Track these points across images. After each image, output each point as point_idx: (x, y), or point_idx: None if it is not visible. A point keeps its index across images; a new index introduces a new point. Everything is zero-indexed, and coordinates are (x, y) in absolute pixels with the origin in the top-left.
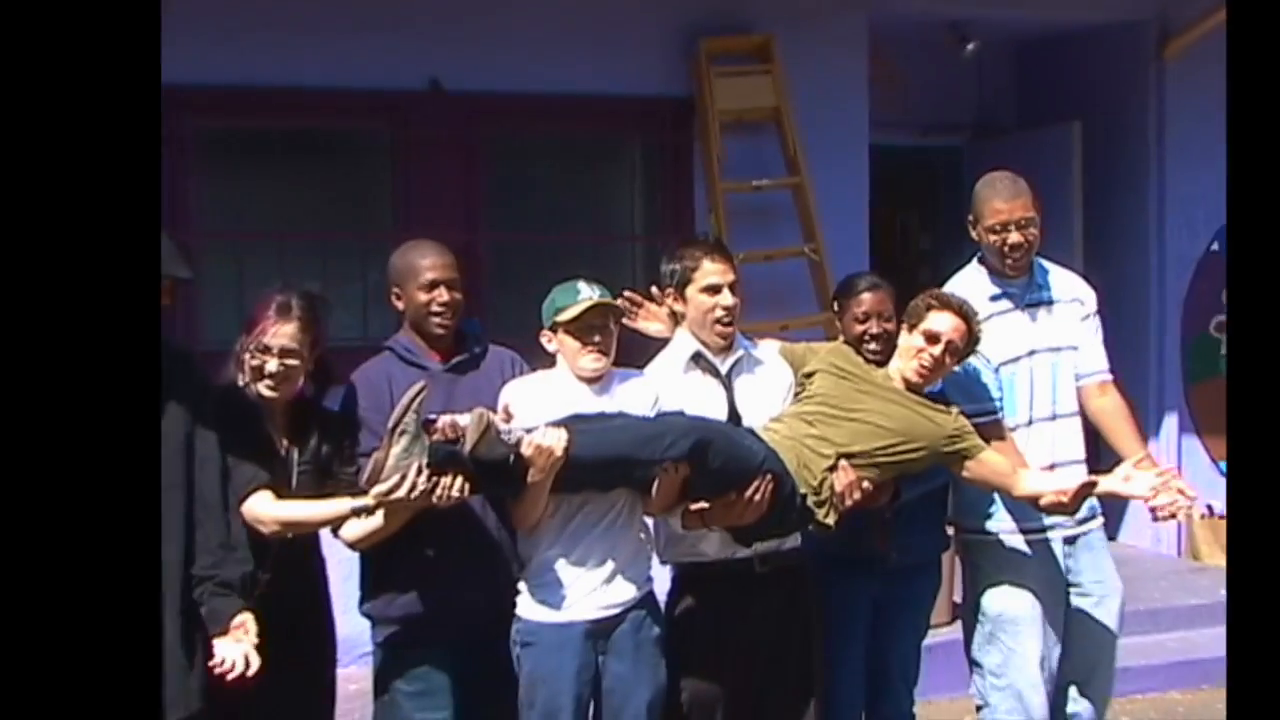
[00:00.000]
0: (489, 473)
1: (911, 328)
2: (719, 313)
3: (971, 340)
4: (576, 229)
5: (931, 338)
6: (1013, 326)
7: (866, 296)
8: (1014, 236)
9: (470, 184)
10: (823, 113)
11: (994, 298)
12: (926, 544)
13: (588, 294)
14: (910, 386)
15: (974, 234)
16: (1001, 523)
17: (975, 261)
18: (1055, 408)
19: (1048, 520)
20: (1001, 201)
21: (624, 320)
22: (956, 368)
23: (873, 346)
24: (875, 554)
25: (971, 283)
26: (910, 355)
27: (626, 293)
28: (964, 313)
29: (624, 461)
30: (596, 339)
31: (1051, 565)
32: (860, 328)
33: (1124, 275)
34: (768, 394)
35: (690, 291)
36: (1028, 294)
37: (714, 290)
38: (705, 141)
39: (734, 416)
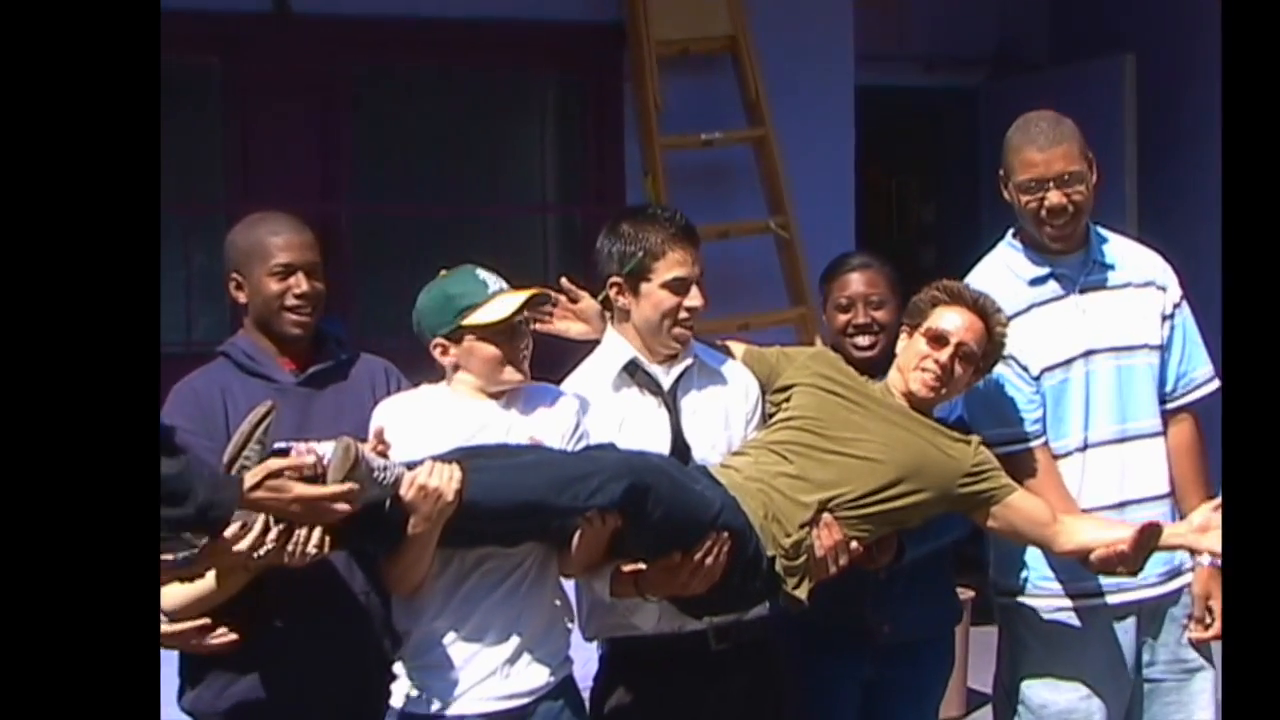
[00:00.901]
0: (357, 521)
1: (912, 330)
2: (683, 315)
3: (992, 344)
4: (469, 198)
5: (937, 339)
6: (1061, 319)
7: (851, 277)
8: (1053, 197)
9: (329, 138)
10: (795, 43)
11: (1036, 281)
12: (932, 615)
13: (498, 285)
14: (915, 405)
15: (1006, 194)
16: (1048, 584)
17: (1009, 236)
18: (1124, 426)
19: (1109, 581)
20: (1036, 150)
21: (536, 324)
22: (980, 383)
23: (860, 341)
24: (862, 626)
25: (1005, 265)
26: (912, 364)
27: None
28: (979, 307)
29: (536, 509)
30: (524, 346)
31: (1114, 645)
32: (843, 318)
33: (1190, 253)
34: (726, 417)
35: (649, 286)
36: (1083, 275)
37: (681, 287)
38: (639, 82)
39: (679, 447)
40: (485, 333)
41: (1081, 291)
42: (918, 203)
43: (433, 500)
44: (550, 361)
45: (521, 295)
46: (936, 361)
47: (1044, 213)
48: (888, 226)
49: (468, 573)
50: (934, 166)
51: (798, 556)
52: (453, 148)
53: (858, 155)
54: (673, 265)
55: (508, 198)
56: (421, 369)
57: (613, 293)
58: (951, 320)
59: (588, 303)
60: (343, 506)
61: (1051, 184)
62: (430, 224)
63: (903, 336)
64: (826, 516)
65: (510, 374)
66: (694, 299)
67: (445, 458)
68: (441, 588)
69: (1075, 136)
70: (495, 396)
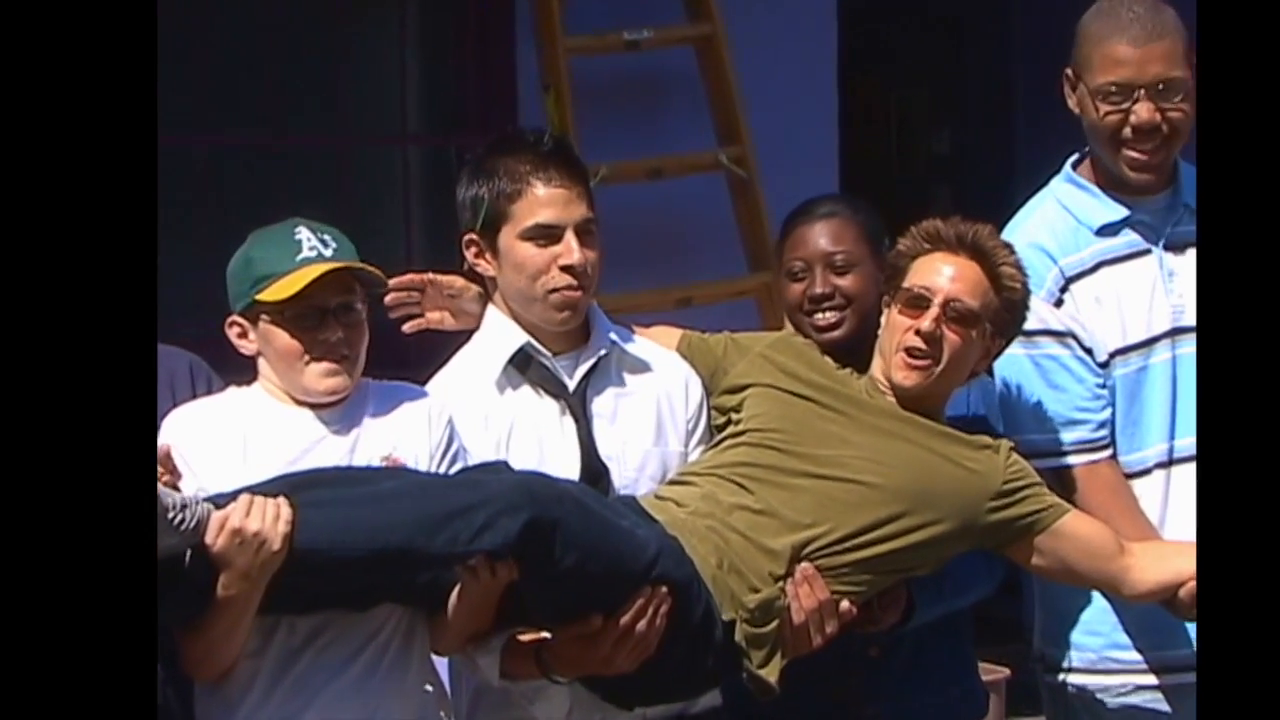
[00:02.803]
0: None
1: (890, 299)
2: (557, 279)
3: (1003, 294)
4: (302, 125)
5: (914, 301)
6: (1141, 284)
7: (807, 233)
8: (1142, 110)
9: None
10: None
11: (1107, 229)
12: (943, 706)
13: (314, 249)
14: (909, 403)
15: (1072, 103)
16: (1121, 653)
17: (1069, 168)
18: None
19: None
20: (1128, 43)
21: (397, 315)
22: (1024, 367)
23: (822, 319)
24: (847, 716)
25: (1063, 208)
26: (894, 344)
27: (399, 279)
28: (971, 245)
29: (399, 558)
30: (336, 334)
31: None
32: (796, 289)
33: None
34: (658, 427)
35: (505, 239)
36: (1170, 224)
37: (547, 236)
38: None
39: (592, 469)
40: (279, 313)
41: (1167, 247)
42: (927, 127)
43: (253, 550)
44: (415, 354)
45: (318, 268)
46: (918, 333)
47: (1128, 130)
48: (885, 160)
49: (299, 649)
50: (950, 79)
51: (766, 622)
52: (280, 57)
53: (843, 62)
54: (534, 207)
55: (355, 125)
56: (240, 365)
57: (470, 255)
58: (933, 272)
59: (467, 290)
60: None
61: (1143, 92)
62: (250, 161)
63: (884, 313)
64: (805, 566)
65: (312, 377)
66: (571, 254)
67: (268, 489)
68: (264, 671)
69: (1179, 31)
70: (330, 404)
